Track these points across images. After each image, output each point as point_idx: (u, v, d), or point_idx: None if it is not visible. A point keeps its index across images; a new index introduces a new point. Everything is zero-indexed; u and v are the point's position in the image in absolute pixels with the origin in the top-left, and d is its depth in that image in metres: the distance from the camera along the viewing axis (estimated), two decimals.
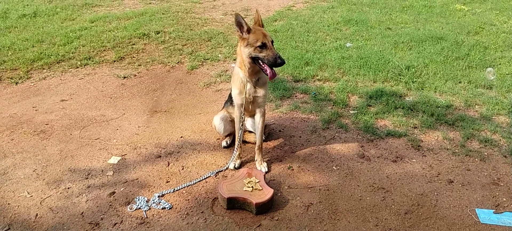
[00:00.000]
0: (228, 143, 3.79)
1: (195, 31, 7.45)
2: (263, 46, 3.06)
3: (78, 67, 5.89)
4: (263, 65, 3.12)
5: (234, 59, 5.59)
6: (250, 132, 3.80)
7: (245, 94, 3.28)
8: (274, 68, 3.12)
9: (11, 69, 5.77)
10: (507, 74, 5.37)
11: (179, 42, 6.83)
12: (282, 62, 3.09)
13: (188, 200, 3.08)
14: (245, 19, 3.10)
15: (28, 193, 3.15)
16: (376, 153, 3.70)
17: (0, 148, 3.80)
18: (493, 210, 2.97)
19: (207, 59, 6.14)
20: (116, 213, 2.94)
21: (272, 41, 3.14)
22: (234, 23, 3.17)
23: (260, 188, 3.04)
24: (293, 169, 3.47)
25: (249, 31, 3.10)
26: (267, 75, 3.13)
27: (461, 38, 6.78)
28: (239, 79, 3.28)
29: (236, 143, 3.52)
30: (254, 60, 3.13)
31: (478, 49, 6.25)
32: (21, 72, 5.64)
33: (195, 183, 3.27)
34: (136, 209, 2.97)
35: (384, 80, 5.24)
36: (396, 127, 4.16)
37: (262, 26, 3.26)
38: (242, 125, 3.46)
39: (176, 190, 3.18)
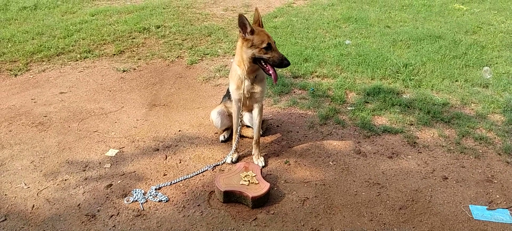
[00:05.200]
0: (226, 137, 3.82)
1: (195, 26, 7.46)
2: (268, 47, 3.06)
3: (77, 60, 5.90)
4: (265, 66, 3.13)
5: (234, 55, 5.61)
6: (247, 126, 3.82)
7: (243, 90, 3.29)
8: (276, 69, 3.14)
9: (10, 61, 5.78)
10: (503, 73, 5.40)
11: (179, 37, 6.85)
12: (288, 63, 3.11)
13: (185, 193, 3.11)
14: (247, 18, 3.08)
15: (25, 184, 3.17)
16: (372, 149, 3.73)
17: None
18: (487, 207, 3.00)
19: (206, 54, 6.15)
20: (113, 205, 2.96)
21: (274, 42, 3.15)
22: (236, 23, 3.12)
23: (257, 182, 3.07)
24: (289, 164, 3.49)
25: (252, 32, 3.08)
26: (270, 75, 3.14)
27: (459, 37, 6.80)
28: (237, 76, 3.29)
29: (234, 137, 3.55)
30: (255, 60, 3.13)
31: (476, 49, 6.27)
32: (20, 64, 5.65)
33: (192, 176, 3.29)
34: (132, 202, 2.99)
35: (382, 77, 5.27)
36: (393, 123, 4.18)
37: (262, 25, 3.26)
38: (240, 119, 3.48)
39: (173, 183, 3.20)
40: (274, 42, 3.13)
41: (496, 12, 8.75)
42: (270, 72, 3.12)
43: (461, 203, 3.04)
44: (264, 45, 3.04)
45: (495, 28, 7.52)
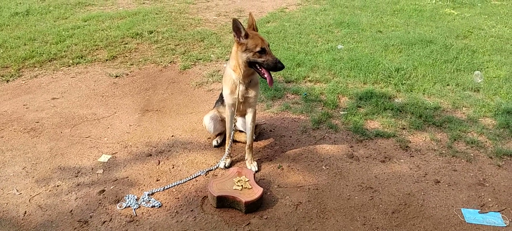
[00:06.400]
0: (219, 142, 3.82)
1: (188, 31, 7.47)
2: (263, 51, 3.07)
3: (70, 66, 5.87)
4: (260, 70, 3.14)
5: (227, 60, 5.62)
6: (240, 131, 3.82)
7: (237, 95, 3.30)
8: (271, 72, 3.15)
9: (2, 67, 5.74)
10: (494, 77, 5.46)
11: (172, 42, 6.85)
12: (282, 67, 3.12)
13: (178, 198, 3.10)
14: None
15: (17, 191, 3.14)
16: (365, 153, 3.75)
17: None
18: (478, 210, 3.03)
19: (199, 59, 6.15)
20: (106, 211, 2.94)
21: (268, 45, 3.16)
22: (229, 28, 3.16)
23: (250, 187, 3.07)
24: (282, 168, 3.50)
25: (246, 36, 3.10)
26: (265, 78, 3.15)
27: (450, 42, 6.88)
28: (231, 80, 3.29)
29: (227, 142, 3.55)
30: (250, 64, 3.14)
31: (466, 53, 6.35)
32: (12, 70, 5.61)
33: (185, 181, 3.28)
34: (125, 207, 2.97)
35: (374, 82, 5.30)
36: (385, 127, 4.21)
37: (256, 29, 3.28)
38: (233, 124, 3.48)
39: (166, 189, 3.19)
40: (268, 46, 3.14)
41: (486, 16, 8.87)
42: (266, 75, 3.13)
43: (453, 207, 3.06)
44: (258, 48, 3.06)
45: (486, 32, 7.62)
